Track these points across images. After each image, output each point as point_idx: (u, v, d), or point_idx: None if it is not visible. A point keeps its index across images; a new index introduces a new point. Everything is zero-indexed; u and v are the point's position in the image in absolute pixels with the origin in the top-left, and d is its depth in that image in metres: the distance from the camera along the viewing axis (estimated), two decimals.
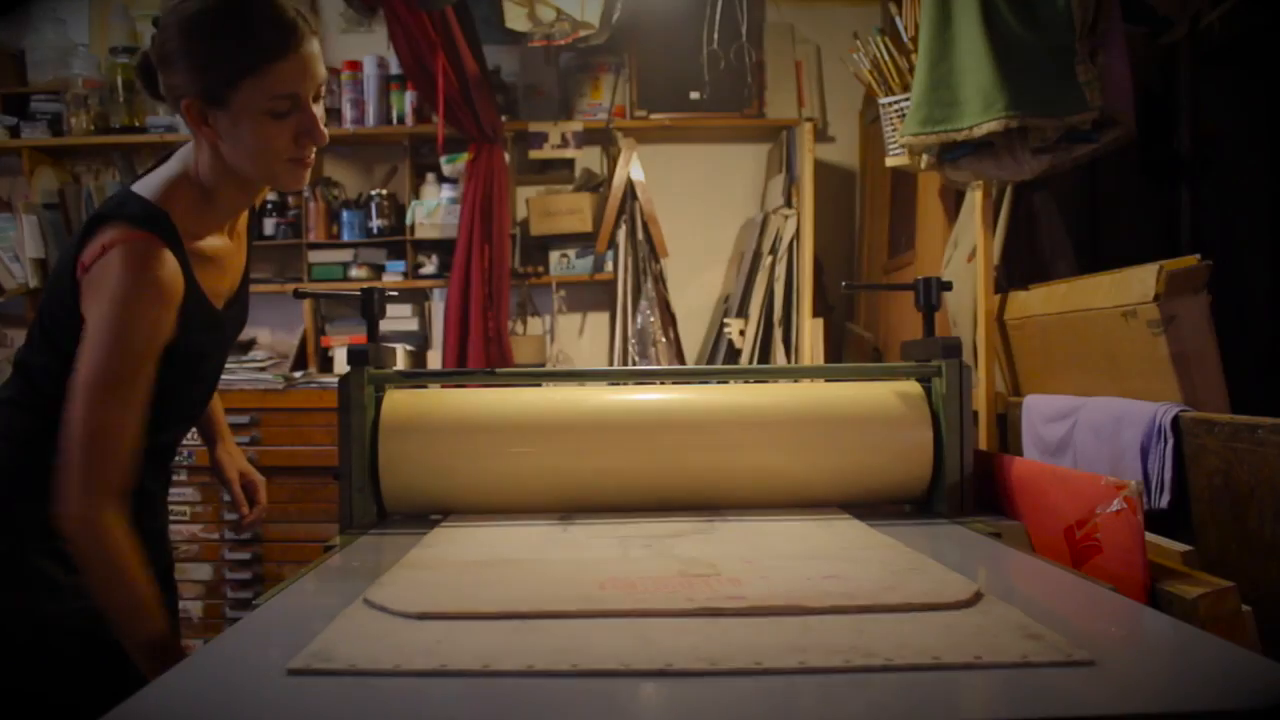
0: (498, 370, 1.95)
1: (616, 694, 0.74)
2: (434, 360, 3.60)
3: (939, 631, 0.83)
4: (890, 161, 2.38)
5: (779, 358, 3.39)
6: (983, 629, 0.83)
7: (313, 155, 1.25)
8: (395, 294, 3.65)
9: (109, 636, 1.15)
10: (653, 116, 3.67)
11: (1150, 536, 1.34)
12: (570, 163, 3.76)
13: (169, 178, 1.25)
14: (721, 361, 3.50)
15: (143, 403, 1.17)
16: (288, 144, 1.20)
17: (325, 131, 1.23)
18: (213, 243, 1.30)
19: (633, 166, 3.59)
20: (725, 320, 3.52)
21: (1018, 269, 2.38)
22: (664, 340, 3.50)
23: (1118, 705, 0.69)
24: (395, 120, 3.64)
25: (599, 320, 3.78)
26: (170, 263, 1.18)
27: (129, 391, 1.16)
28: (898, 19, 2.38)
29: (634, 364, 3.44)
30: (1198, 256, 1.69)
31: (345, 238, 3.64)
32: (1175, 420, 1.57)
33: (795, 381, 2.07)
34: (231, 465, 1.62)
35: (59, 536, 1.14)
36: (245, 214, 1.39)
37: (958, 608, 0.89)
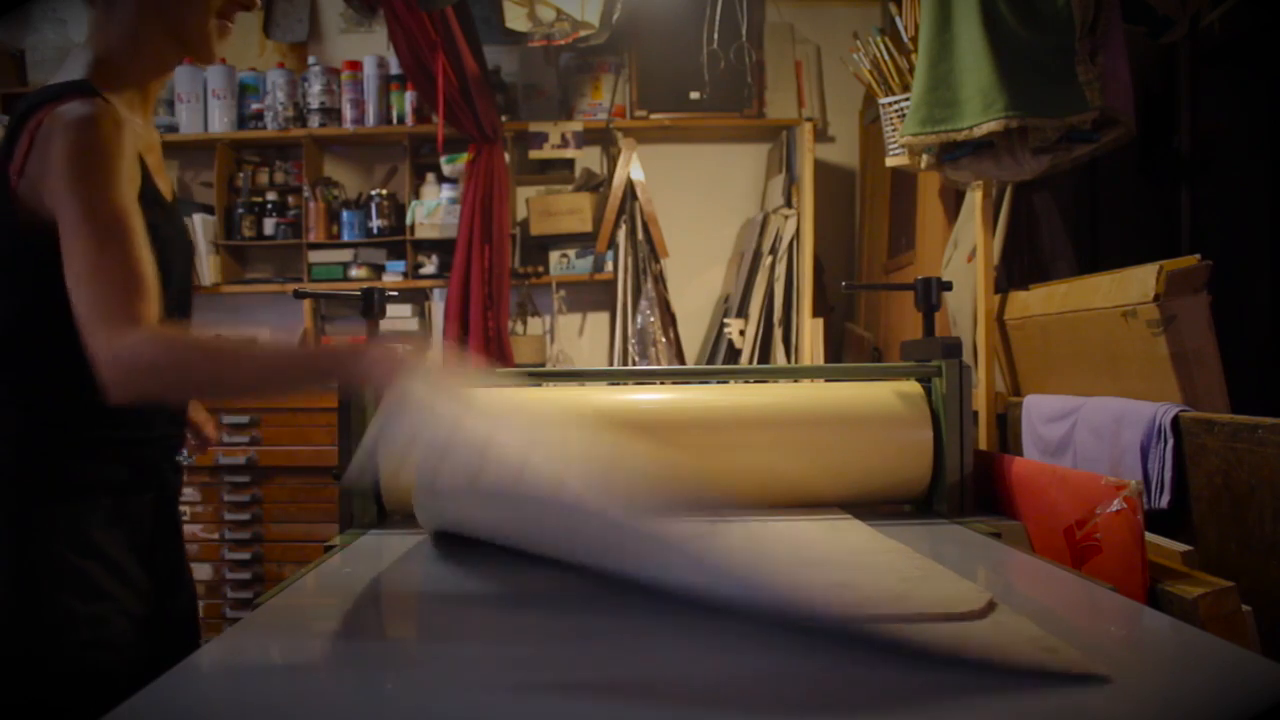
0: (497, 370, 1.95)
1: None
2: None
3: (952, 643, 0.81)
4: (890, 161, 2.38)
5: (779, 358, 3.39)
6: (996, 641, 0.81)
7: (234, 24, 1.24)
8: (395, 294, 3.65)
9: (134, 655, 1.11)
10: (653, 116, 3.67)
11: (1150, 536, 1.34)
12: (570, 163, 3.76)
13: (84, 65, 1.16)
14: (721, 361, 3.50)
15: (145, 241, 1.07)
16: (225, 1, 1.21)
17: None
18: (136, 126, 1.20)
19: (633, 166, 3.59)
20: (725, 320, 3.52)
21: (1018, 269, 2.38)
22: (664, 340, 3.50)
23: (1118, 705, 0.69)
24: (395, 120, 3.64)
25: (599, 320, 3.78)
26: (113, 109, 1.10)
27: (128, 226, 1.06)
28: (898, 19, 2.38)
29: (634, 364, 3.44)
30: (1198, 256, 1.69)
31: (345, 238, 3.64)
32: (1175, 420, 1.57)
33: (795, 382, 2.07)
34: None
35: (87, 551, 1.09)
36: (158, 142, 1.30)
37: (971, 618, 0.87)
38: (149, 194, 1.17)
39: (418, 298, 3.73)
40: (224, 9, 1.21)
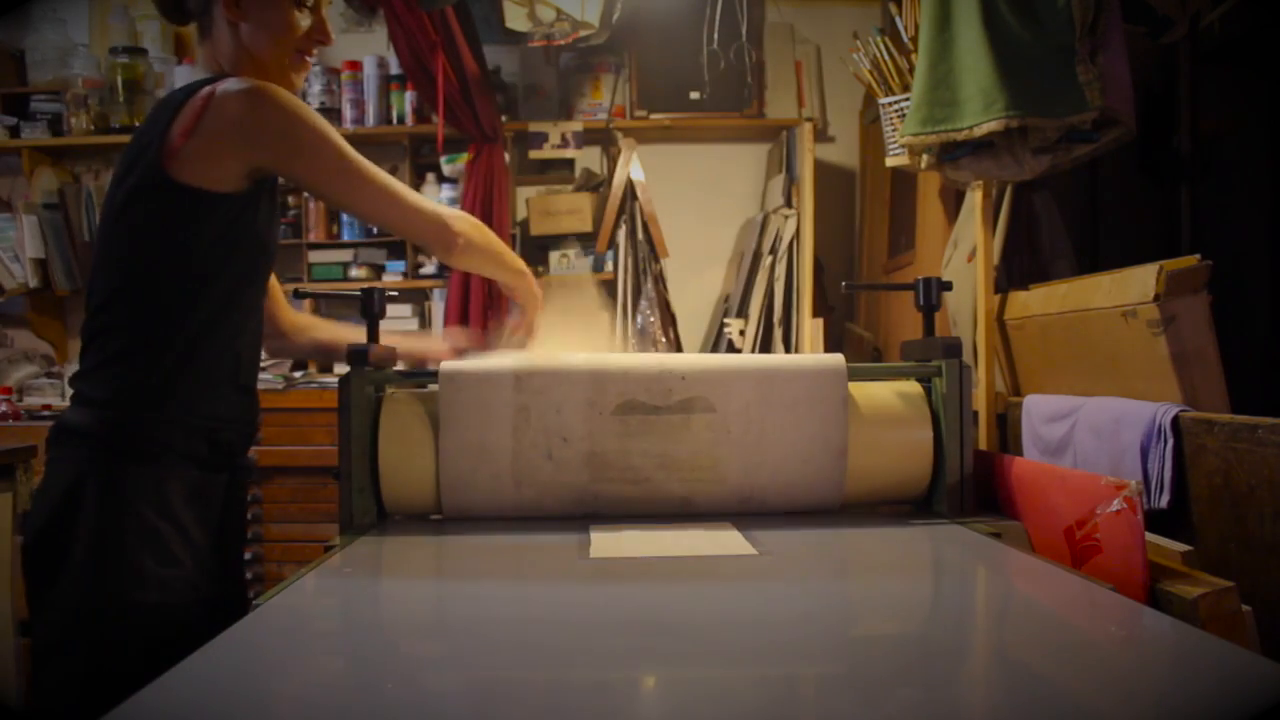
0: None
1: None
2: None
3: None
4: (890, 161, 2.38)
5: None
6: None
7: (313, 59, 1.41)
8: (395, 294, 3.65)
9: (192, 631, 1.13)
10: (653, 116, 3.67)
11: (1150, 536, 1.34)
12: (570, 163, 3.76)
13: (203, 71, 1.37)
14: None
15: None
16: (303, 36, 1.37)
17: (332, 35, 1.42)
18: None
19: (633, 166, 3.59)
20: (725, 320, 3.52)
21: (1018, 269, 2.38)
22: (664, 340, 3.50)
23: (1118, 705, 0.69)
24: (395, 120, 3.64)
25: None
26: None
27: (360, 158, 1.31)
28: (898, 19, 2.38)
29: None
30: (1198, 256, 1.69)
31: (345, 237, 3.64)
32: (1175, 420, 1.57)
33: None
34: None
35: (165, 514, 1.21)
36: None
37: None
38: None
39: (418, 298, 3.73)
40: (302, 44, 1.38)
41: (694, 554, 1.22)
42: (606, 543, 1.22)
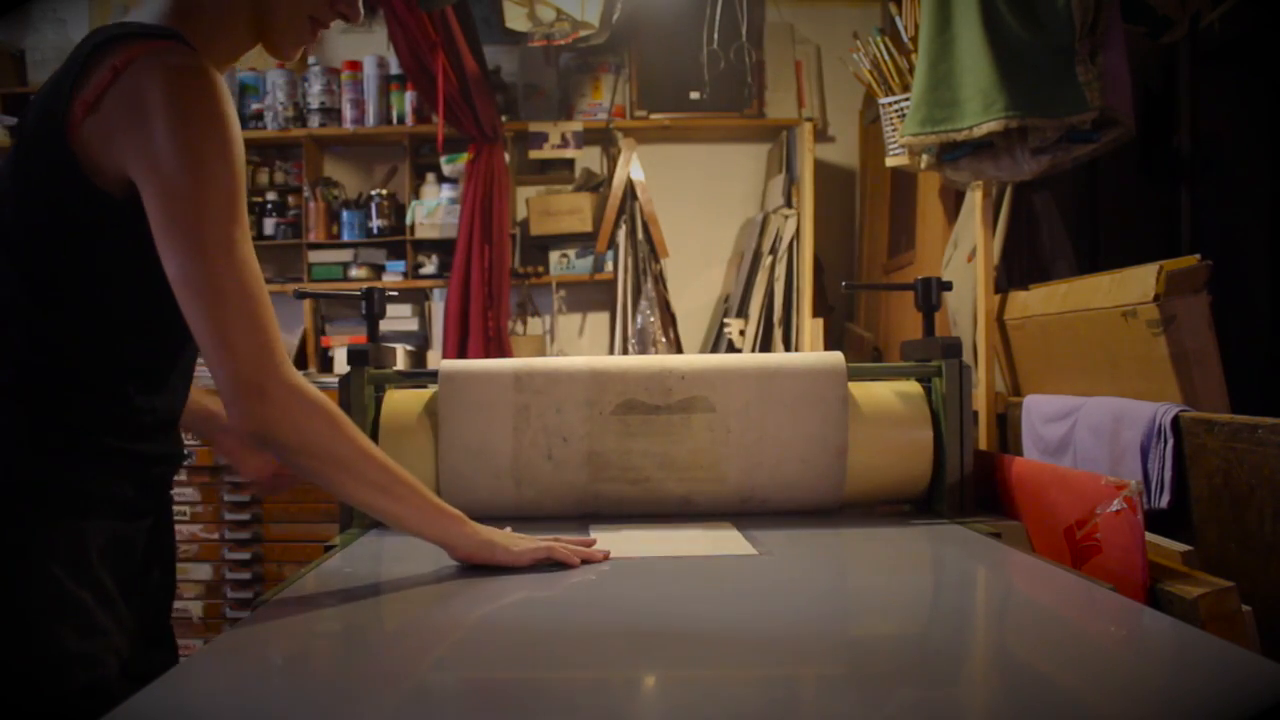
0: None
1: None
2: (434, 360, 3.60)
3: None
4: (890, 161, 2.38)
5: None
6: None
7: (327, 29, 1.11)
8: (395, 294, 3.65)
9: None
10: (653, 116, 3.66)
11: (1150, 536, 1.33)
12: (570, 163, 3.76)
13: (158, 13, 1.01)
14: None
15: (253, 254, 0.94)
16: (325, 2, 1.07)
17: (361, 10, 1.10)
18: None
19: (633, 166, 3.59)
20: (725, 320, 3.52)
21: (1018, 269, 2.37)
22: (664, 340, 3.50)
23: (1118, 705, 0.69)
24: (395, 120, 3.64)
25: (599, 320, 3.78)
26: (218, 76, 0.95)
27: (244, 231, 0.93)
28: (898, 19, 2.38)
29: None
30: (1198, 256, 1.69)
31: (345, 238, 3.64)
32: (1175, 420, 1.57)
33: None
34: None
35: (83, 576, 0.94)
36: None
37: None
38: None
39: (418, 298, 3.72)
40: (321, 10, 1.07)
41: (693, 554, 1.22)
42: (605, 542, 1.22)
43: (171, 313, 0.95)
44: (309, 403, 0.96)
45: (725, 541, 1.28)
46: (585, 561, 1.14)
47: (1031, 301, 2.14)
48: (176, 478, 1.20)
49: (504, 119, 3.61)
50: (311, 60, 3.70)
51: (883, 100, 2.40)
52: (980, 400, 2.24)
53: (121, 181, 0.94)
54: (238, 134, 0.95)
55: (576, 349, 3.76)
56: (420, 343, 3.68)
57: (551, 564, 1.11)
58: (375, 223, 3.63)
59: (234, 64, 1.14)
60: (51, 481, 0.97)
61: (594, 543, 1.20)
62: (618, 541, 1.25)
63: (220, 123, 0.93)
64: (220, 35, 1.04)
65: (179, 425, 1.12)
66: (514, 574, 1.09)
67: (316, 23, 1.08)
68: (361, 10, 1.10)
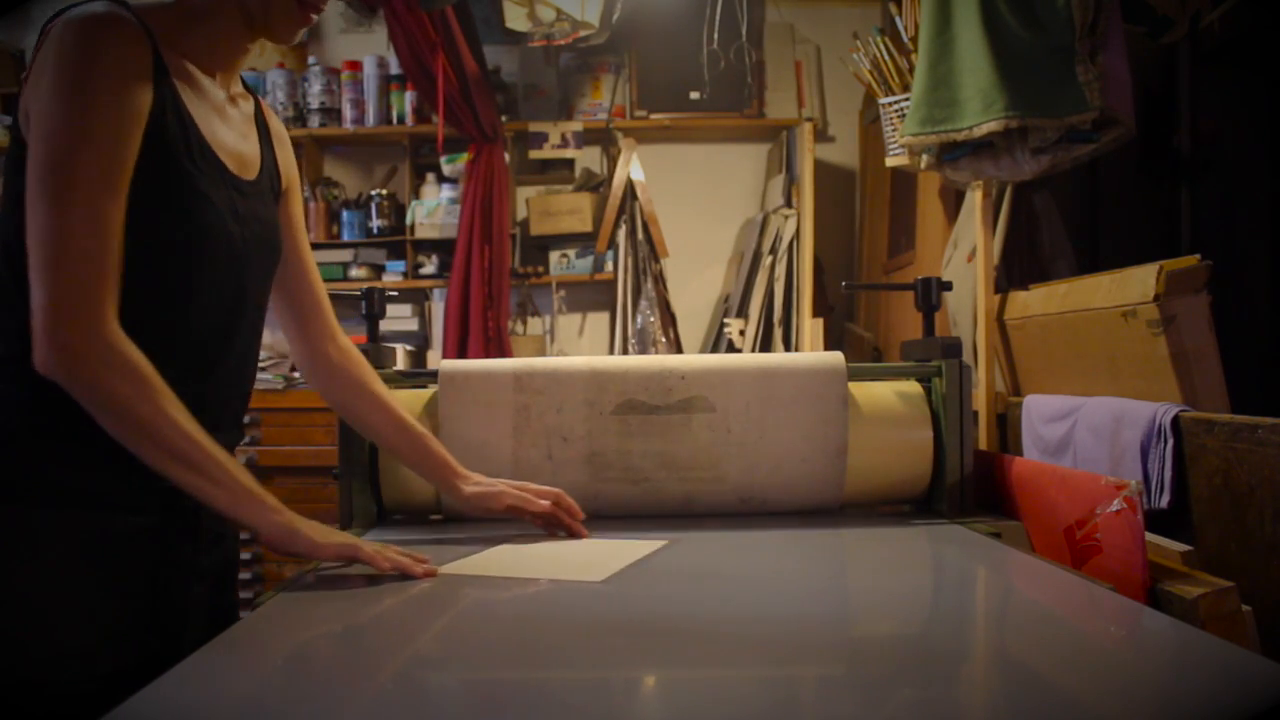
0: None
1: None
2: (434, 360, 3.60)
3: None
4: (890, 161, 2.38)
5: None
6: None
7: (319, 13, 1.09)
8: (395, 294, 3.65)
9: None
10: (653, 116, 3.67)
11: (1150, 536, 1.34)
12: (570, 163, 3.76)
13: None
14: None
15: (118, 206, 0.93)
16: None
17: None
18: (205, 82, 1.07)
19: (633, 166, 3.59)
20: (725, 320, 3.52)
21: (1018, 269, 2.37)
22: (664, 340, 3.50)
23: (1118, 705, 0.69)
24: (395, 120, 3.64)
25: (599, 320, 3.78)
26: (131, 29, 0.95)
27: (95, 185, 0.91)
28: (898, 19, 2.38)
29: None
30: (1198, 256, 1.69)
31: (345, 238, 3.64)
32: (1175, 420, 1.57)
33: None
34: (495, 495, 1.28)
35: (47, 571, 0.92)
36: (251, 104, 1.17)
37: None
38: (191, 151, 1.01)
39: (418, 298, 3.73)
40: None
41: (548, 576, 1.10)
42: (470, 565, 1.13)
43: (165, 303, 0.98)
44: (118, 361, 0.91)
45: (618, 557, 1.16)
46: (399, 570, 1.05)
47: (1031, 301, 2.14)
48: None
49: (504, 119, 3.61)
50: (311, 60, 3.70)
51: (883, 100, 2.40)
52: (980, 400, 2.24)
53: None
54: (127, 85, 0.94)
55: (576, 349, 3.76)
56: (420, 343, 3.68)
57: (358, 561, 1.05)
58: (375, 223, 3.63)
59: (241, 62, 1.12)
60: (55, 472, 0.96)
61: (428, 560, 1.08)
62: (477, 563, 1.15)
63: (93, 74, 0.92)
64: (200, 24, 1.04)
65: (221, 427, 1.09)
66: (514, 575, 1.08)
67: (307, 10, 1.06)
68: None
